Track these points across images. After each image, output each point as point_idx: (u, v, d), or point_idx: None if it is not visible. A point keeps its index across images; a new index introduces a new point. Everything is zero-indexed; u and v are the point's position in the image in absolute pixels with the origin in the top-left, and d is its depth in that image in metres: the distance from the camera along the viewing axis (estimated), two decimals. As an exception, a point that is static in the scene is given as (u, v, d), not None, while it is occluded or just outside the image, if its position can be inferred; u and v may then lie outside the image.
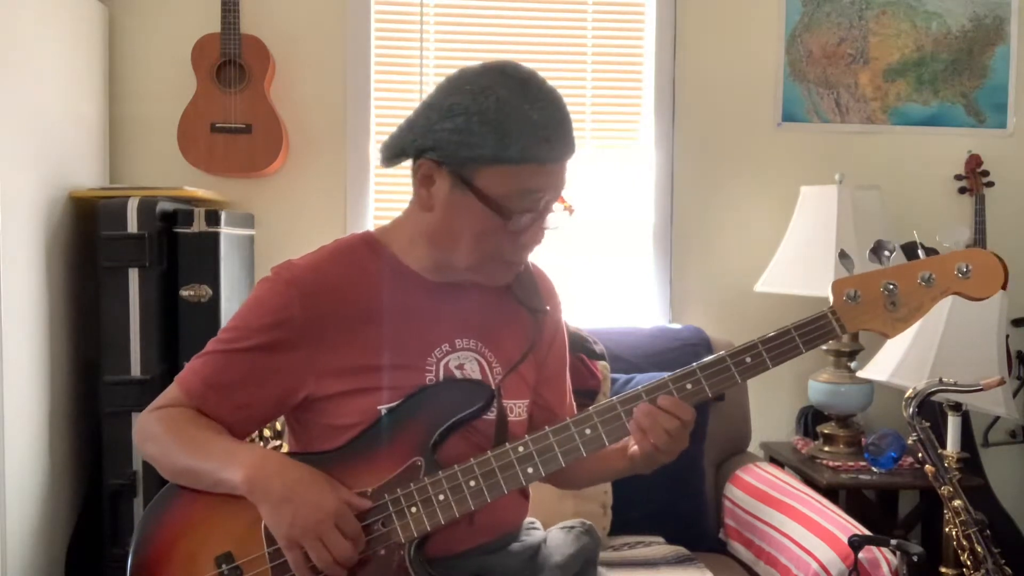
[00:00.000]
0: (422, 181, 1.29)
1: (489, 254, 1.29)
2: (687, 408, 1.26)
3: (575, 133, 1.29)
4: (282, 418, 1.41)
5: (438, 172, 1.27)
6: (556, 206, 1.31)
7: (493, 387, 1.34)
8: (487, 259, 1.30)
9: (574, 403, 1.55)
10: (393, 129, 1.34)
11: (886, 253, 1.30)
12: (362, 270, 1.35)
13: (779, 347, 1.27)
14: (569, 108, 1.29)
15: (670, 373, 1.29)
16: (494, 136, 1.21)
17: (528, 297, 1.43)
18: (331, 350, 1.30)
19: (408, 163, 1.33)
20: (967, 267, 1.28)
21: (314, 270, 1.34)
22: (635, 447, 1.31)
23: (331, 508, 1.19)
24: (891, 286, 1.28)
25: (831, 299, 1.30)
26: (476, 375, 1.36)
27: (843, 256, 1.33)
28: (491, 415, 1.33)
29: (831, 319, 1.28)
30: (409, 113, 1.33)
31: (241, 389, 1.30)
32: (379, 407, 1.29)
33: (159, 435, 1.29)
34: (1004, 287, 1.30)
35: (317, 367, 1.30)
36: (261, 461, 1.24)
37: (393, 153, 1.32)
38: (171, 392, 1.33)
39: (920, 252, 1.32)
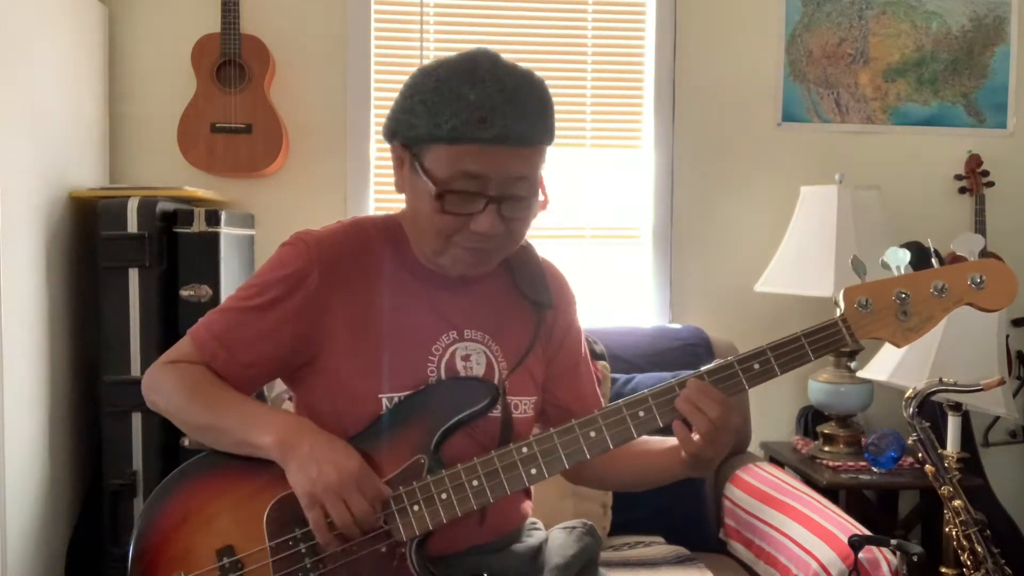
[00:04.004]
0: (396, 164, 1.33)
1: (443, 238, 1.28)
2: (718, 393, 1.24)
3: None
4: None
5: (404, 154, 1.29)
6: (517, 194, 1.26)
7: (498, 383, 1.34)
8: (445, 244, 1.29)
9: (600, 399, 1.52)
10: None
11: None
12: (377, 249, 1.37)
13: (788, 354, 1.26)
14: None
15: (676, 378, 1.28)
16: (428, 115, 1.22)
17: (534, 291, 1.43)
18: (340, 319, 1.31)
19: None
20: (981, 278, 1.26)
21: (333, 240, 1.36)
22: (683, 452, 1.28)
23: (354, 469, 1.20)
24: (903, 295, 1.26)
25: (841, 306, 1.28)
26: (482, 367, 1.36)
27: (855, 263, 1.31)
28: (496, 413, 1.33)
29: (841, 327, 1.26)
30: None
31: (251, 347, 1.32)
32: (381, 396, 1.30)
33: (176, 389, 1.31)
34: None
35: (325, 328, 1.31)
36: (292, 425, 1.26)
37: (384, 136, 1.35)
38: (183, 346, 1.35)
39: (934, 261, 1.30)
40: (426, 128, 1.23)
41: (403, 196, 1.35)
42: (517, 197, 1.26)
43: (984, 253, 3.03)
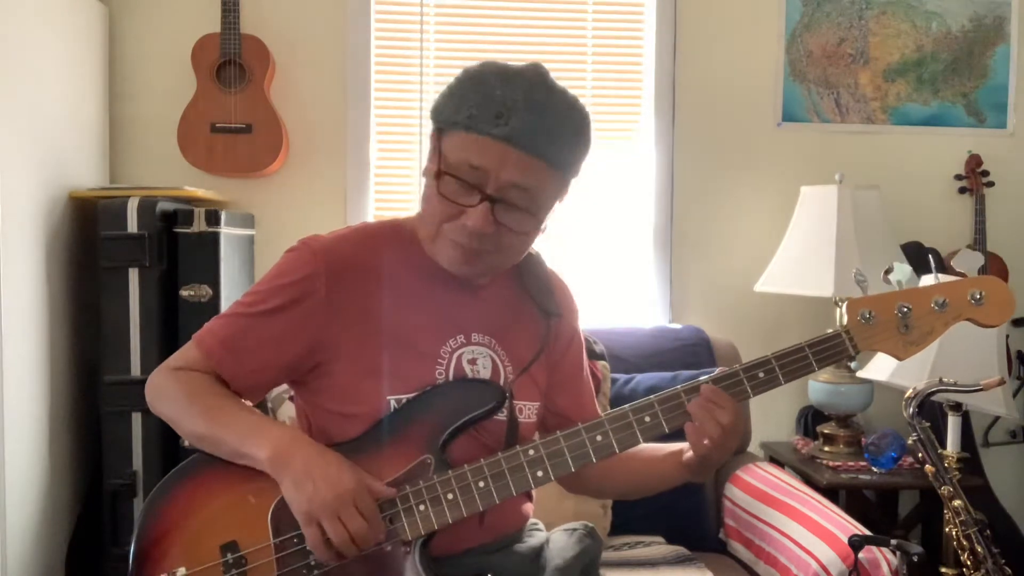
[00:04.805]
0: (431, 148, 1.33)
1: (436, 224, 1.29)
2: (731, 400, 1.26)
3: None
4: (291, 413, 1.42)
5: (433, 134, 1.31)
6: (513, 202, 1.26)
7: (504, 386, 1.35)
8: (436, 231, 1.30)
9: (598, 412, 1.54)
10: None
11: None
12: (386, 253, 1.37)
13: (792, 364, 1.28)
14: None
15: (681, 384, 1.29)
16: (454, 101, 1.26)
17: (543, 300, 1.44)
18: (348, 324, 1.31)
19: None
20: (980, 294, 1.29)
21: (340, 244, 1.36)
22: (689, 453, 1.31)
23: (350, 485, 1.20)
24: (905, 309, 1.29)
25: (845, 318, 1.30)
26: (488, 371, 1.36)
27: (858, 276, 1.34)
28: (502, 416, 1.33)
29: (845, 339, 1.29)
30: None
31: (258, 352, 1.31)
32: (388, 397, 1.30)
33: (177, 397, 1.31)
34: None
35: (333, 334, 1.31)
36: (287, 439, 1.25)
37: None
38: (188, 352, 1.34)
39: (932, 278, 1.31)
40: (450, 111, 1.26)
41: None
42: (513, 204, 1.26)
43: (984, 253, 3.04)
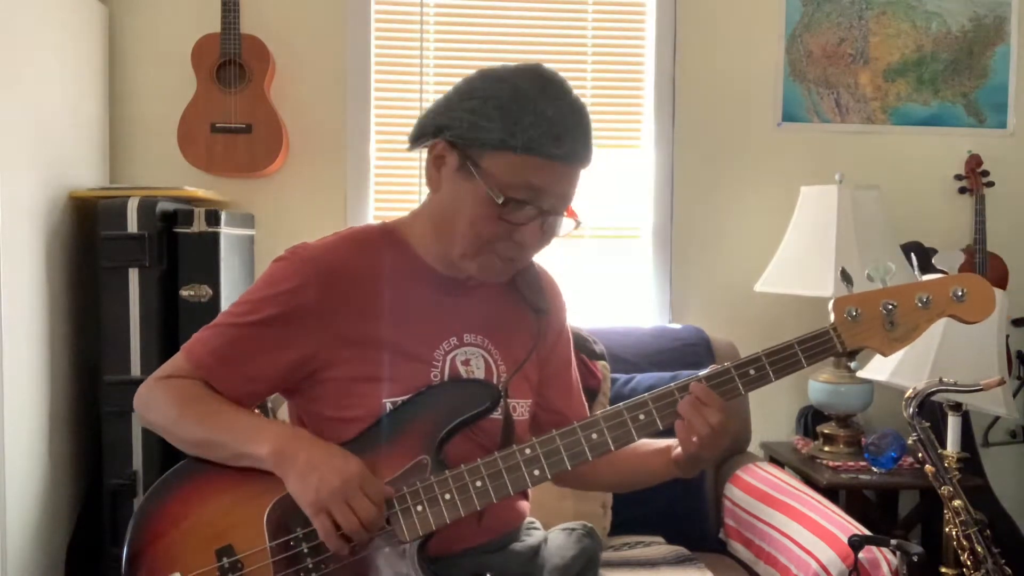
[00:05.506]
0: (434, 161, 1.31)
1: (483, 243, 1.29)
2: (720, 399, 1.27)
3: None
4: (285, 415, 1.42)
5: (449, 153, 1.28)
6: (560, 212, 1.30)
7: (498, 385, 1.35)
8: (482, 249, 1.29)
9: (585, 405, 1.56)
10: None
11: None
12: (376, 258, 1.36)
13: (782, 360, 1.30)
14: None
15: (675, 382, 1.29)
16: (503, 121, 1.23)
17: (533, 296, 1.44)
18: (341, 332, 1.31)
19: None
20: (962, 291, 1.32)
21: (330, 252, 1.35)
22: (679, 449, 1.31)
23: (355, 472, 1.20)
24: (890, 306, 1.31)
25: (832, 316, 1.33)
26: (481, 372, 1.36)
27: (843, 275, 1.36)
28: (497, 415, 1.33)
29: (832, 336, 1.31)
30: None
31: (249, 362, 1.31)
32: (384, 400, 1.30)
33: (170, 404, 1.30)
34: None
35: (326, 342, 1.30)
36: (288, 435, 1.26)
37: (416, 135, 1.33)
38: (177, 362, 1.33)
39: (916, 273, 1.33)
40: (498, 133, 1.23)
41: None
42: (559, 214, 1.30)
43: (984, 254, 3.04)
